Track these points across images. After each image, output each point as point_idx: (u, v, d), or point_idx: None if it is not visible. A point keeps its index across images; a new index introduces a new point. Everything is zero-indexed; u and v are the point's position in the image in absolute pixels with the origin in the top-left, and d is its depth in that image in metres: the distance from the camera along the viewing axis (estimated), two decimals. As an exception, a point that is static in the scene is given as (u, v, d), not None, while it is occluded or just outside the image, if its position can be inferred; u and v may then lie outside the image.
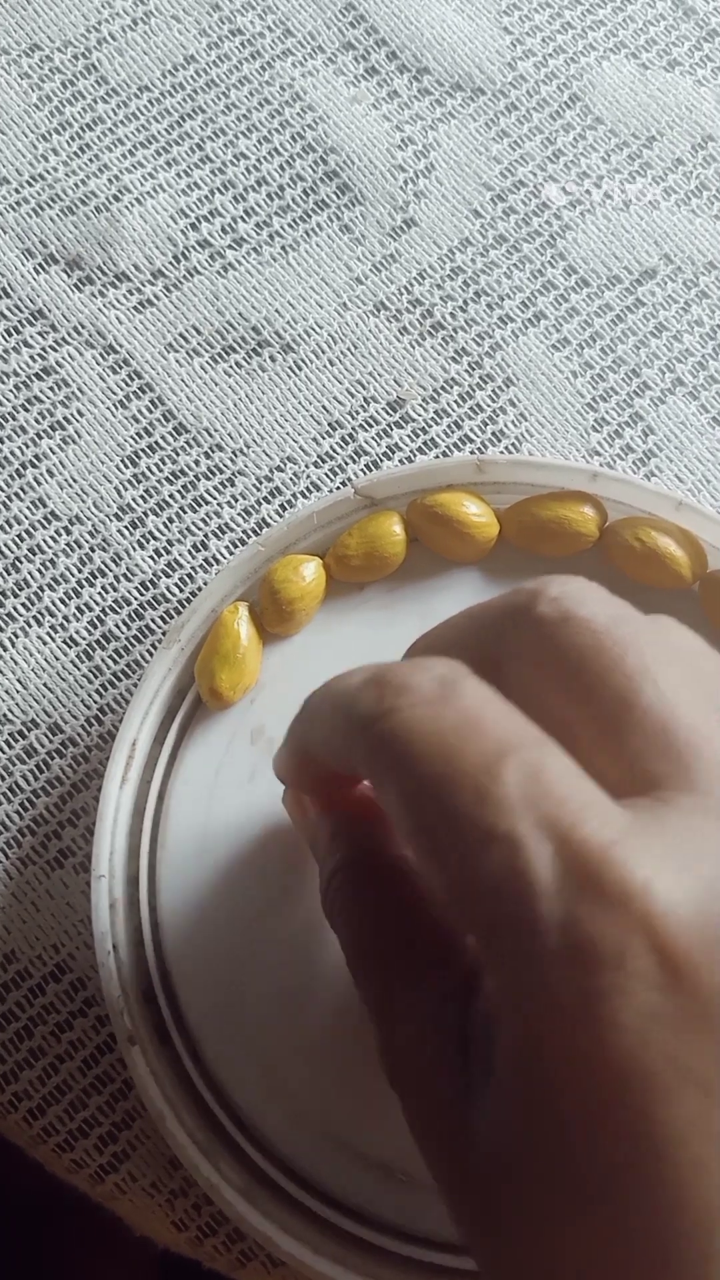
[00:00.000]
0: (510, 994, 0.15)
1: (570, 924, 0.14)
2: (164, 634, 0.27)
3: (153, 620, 0.27)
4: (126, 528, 0.28)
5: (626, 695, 0.16)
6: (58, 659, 0.27)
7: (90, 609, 0.27)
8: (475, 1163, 0.15)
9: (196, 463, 0.29)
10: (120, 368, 0.29)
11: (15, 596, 0.28)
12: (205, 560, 0.28)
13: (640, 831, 0.15)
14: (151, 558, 0.28)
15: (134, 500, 0.28)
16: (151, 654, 0.27)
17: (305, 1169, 0.23)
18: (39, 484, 0.28)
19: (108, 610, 0.27)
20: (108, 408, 0.29)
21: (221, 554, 0.28)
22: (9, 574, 0.28)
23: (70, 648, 0.27)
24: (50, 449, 0.29)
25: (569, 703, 0.17)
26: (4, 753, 0.26)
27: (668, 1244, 0.14)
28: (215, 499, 0.28)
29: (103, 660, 0.27)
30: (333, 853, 0.20)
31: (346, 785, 0.21)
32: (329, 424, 0.29)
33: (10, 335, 0.29)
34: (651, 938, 0.14)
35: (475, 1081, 0.16)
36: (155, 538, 0.28)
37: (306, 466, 0.29)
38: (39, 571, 0.28)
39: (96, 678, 0.27)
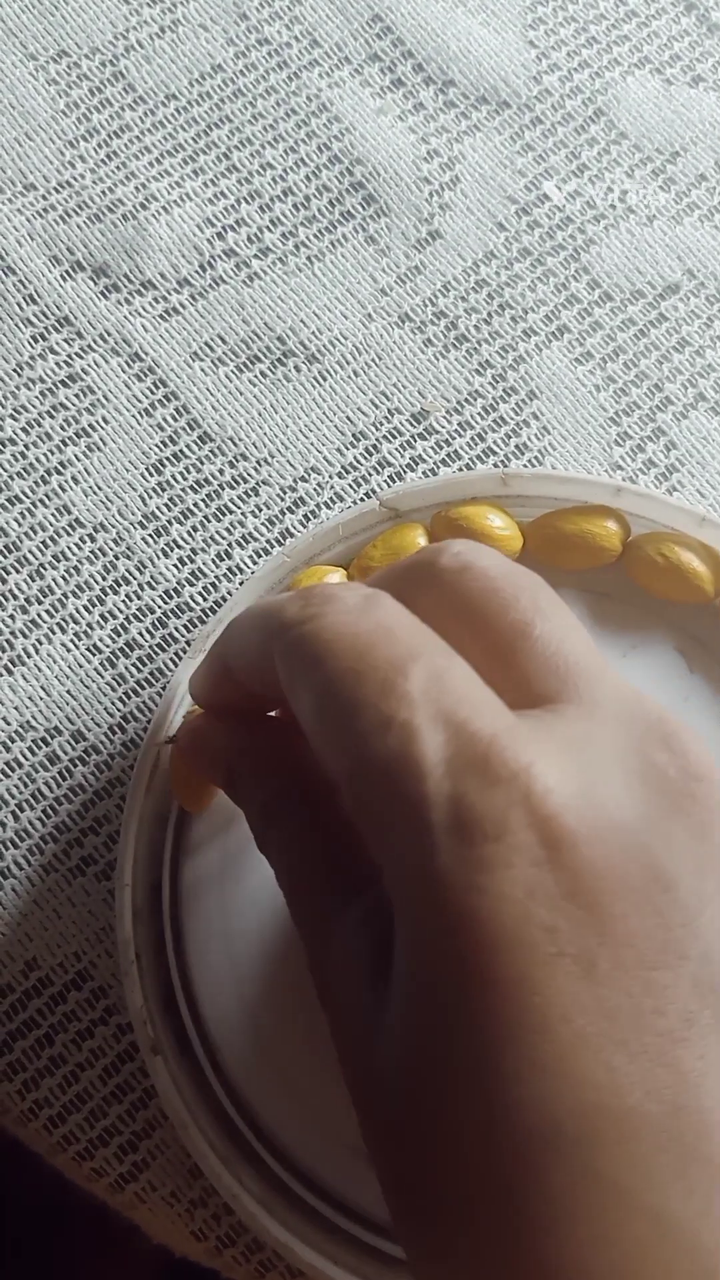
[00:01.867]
0: (398, 876, 0.15)
1: (454, 799, 0.15)
2: (188, 643, 0.27)
3: (176, 629, 0.27)
4: (150, 536, 0.28)
5: (521, 627, 0.18)
6: (81, 666, 0.27)
7: (114, 616, 0.28)
8: (379, 1065, 0.16)
9: (221, 472, 0.29)
10: (145, 375, 0.29)
11: (39, 603, 0.28)
12: (229, 569, 0.28)
13: (528, 728, 0.16)
14: (175, 566, 0.28)
15: (158, 508, 0.28)
16: (175, 662, 0.27)
17: (325, 1179, 0.23)
18: (63, 491, 0.28)
19: (131, 618, 0.28)
20: (132, 415, 0.29)
21: (245, 563, 0.28)
22: (33, 581, 0.28)
23: (93, 655, 0.27)
24: (75, 456, 0.29)
25: (470, 636, 0.18)
26: (26, 759, 0.26)
27: (548, 1118, 0.14)
28: (239, 508, 0.28)
29: (126, 668, 0.27)
30: (262, 784, 0.20)
31: (261, 711, 0.22)
32: (353, 435, 0.29)
33: (36, 342, 0.30)
34: (532, 813, 0.15)
35: (384, 990, 0.16)
36: (179, 546, 0.28)
37: (330, 477, 0.29)
38: (63, 578, 0.28)
39: (119, 685, 0.27)
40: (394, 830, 0.15)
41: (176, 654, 0.27)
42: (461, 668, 0.17)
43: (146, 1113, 0.24)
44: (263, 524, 0.28)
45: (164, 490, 0.28)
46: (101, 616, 0.28)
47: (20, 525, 0.28)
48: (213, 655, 0.22)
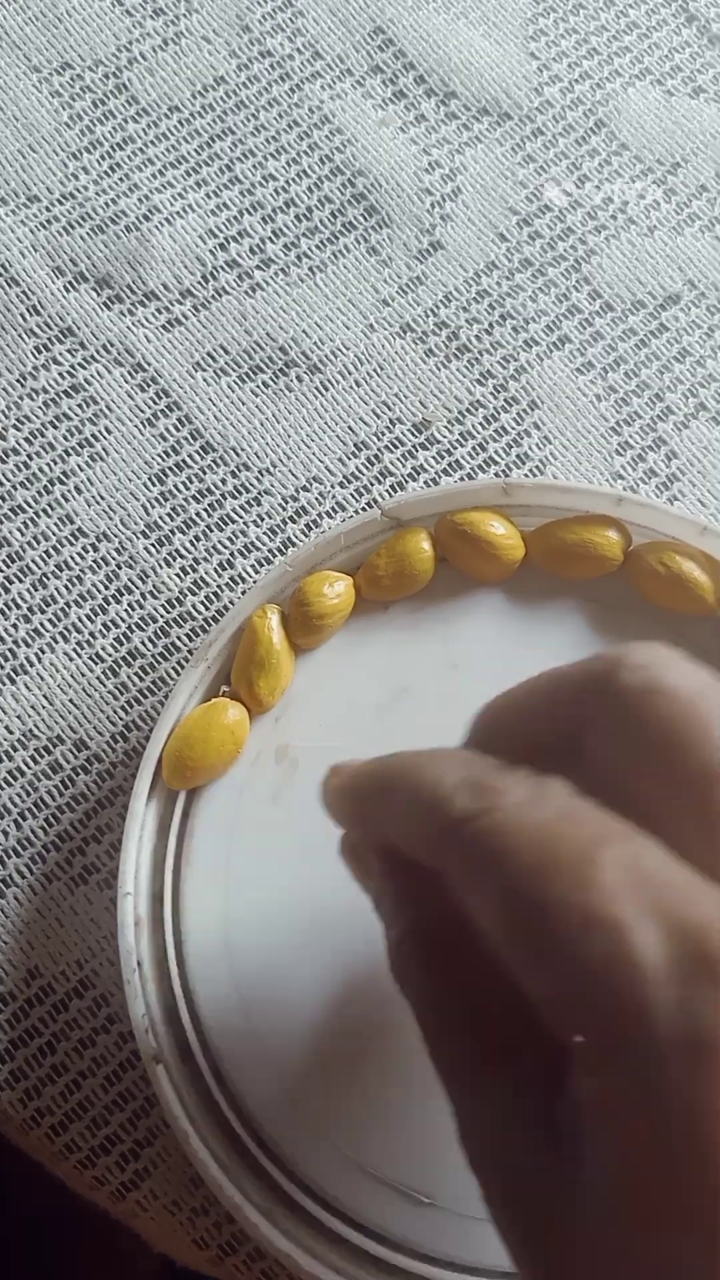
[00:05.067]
0: (619, 1092, 0.14)
1: (684, 1008, 0.13)
2: (190, 651, 0.27)
3: (178, 637, 0.28)
4: (153, 545, 0.28)
5: (714, 770, 0.15)
6: (83, 675, 0.27)
7: (116, 625, 0.28)
8: (583, 1265, 0.14)
9: (223, 481, 0.29)
10: (148, 386, 0.29)
11: (42, 612, 0.28)
12: (231, 578, 0.28)
13: None
14: (177, 575, 0.28)
15: (160, 518, 0.28)
16: (177, 671, 0.27)
17: (326, 1189, 0.23)
18: (66, 500, 0.29)
19: (134, 627, 0.28)
20: (135, 426, 0.29)
21: (247, 572, 0.28)
22: (36, 590, 0.28)
23: (96, 664, 0.27)
24: (78, 466, 0.29)
25: (655, 782, 0.16)
26: (29, 768, 0.27)
27: None
28: (241, 518, 0.28)
29: (128, 677, 0.27)
30: (399, 917, 0.18)
31: None
32: (355, 444, 0.29)
33: (39, 353, 0.30)
34: None
35: (568, 1174, 0.15)
36: (181, 555, 0.28)
37: (332, 486, 0.29)
38: (66, 587, 0.28)
39: (122, 694, 0.27)
40: (611, 1043, 0.14)
41: (179, 663, 0.27)
42: (653, 849, 0.15)
43: (148, 1121, 0.24)
44: (264, 533, 0.28)
45: (166, 500, 0.29)
46: (104, 626, 0.28)
47: (23, 535, 0.28)
48: (362, 818, 0.19)
